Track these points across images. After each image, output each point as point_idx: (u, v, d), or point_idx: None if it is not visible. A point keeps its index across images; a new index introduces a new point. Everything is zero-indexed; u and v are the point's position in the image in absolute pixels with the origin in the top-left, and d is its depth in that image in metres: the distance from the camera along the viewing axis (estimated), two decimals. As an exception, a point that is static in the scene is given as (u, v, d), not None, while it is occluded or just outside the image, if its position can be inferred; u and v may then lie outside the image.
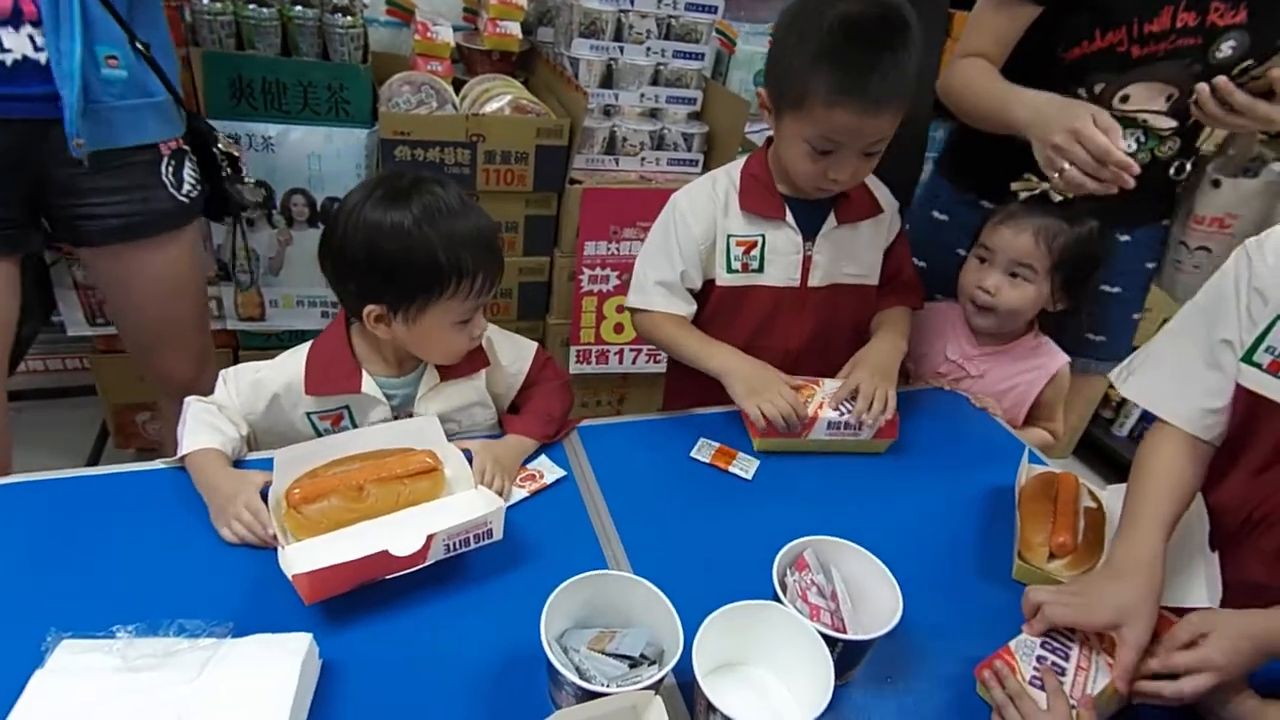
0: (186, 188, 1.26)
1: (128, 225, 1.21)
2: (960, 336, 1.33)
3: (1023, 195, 1.19)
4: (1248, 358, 0.82)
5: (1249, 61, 1.08)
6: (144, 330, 1.37)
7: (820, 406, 1.08)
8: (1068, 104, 1.04)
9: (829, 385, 1.13)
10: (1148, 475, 0.89)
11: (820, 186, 1.08)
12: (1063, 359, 1.29)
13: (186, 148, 1.28)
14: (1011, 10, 1.17)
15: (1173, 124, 1.20)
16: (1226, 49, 1.11)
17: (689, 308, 1.19)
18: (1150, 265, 1.39)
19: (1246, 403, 0.84)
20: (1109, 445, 2.50)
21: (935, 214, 1.46)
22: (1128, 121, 1.19)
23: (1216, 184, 1.24)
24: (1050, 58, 1.18)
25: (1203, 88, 1.08)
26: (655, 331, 1.20)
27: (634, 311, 1.22)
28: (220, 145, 1.36)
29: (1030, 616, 0.82)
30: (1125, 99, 1.19)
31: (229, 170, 1.38)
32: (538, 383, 1.11)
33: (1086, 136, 0.97)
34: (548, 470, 1.02)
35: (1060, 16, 1.16)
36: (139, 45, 1.13)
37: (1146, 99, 1.18)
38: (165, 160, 1.22)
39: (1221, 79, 1.07)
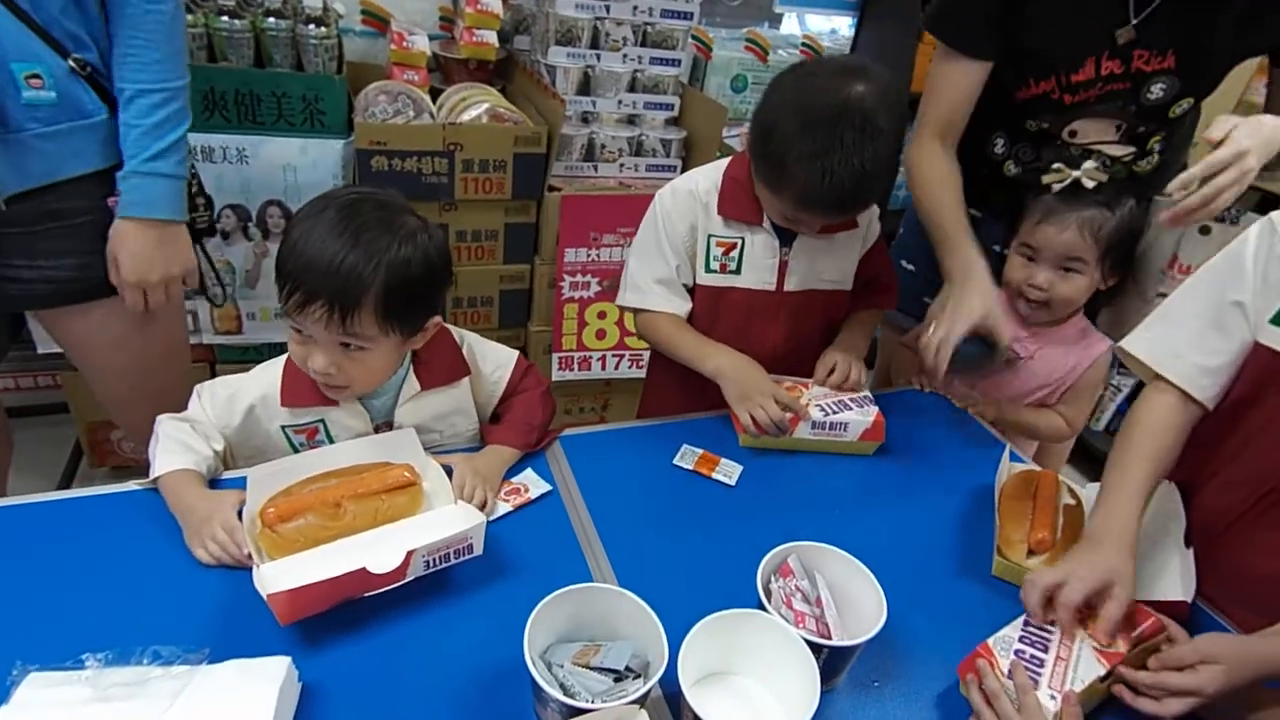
0: None
1: (59, 292, 1.07)
2: (1008, 321, 1.30)
3: (1056, 187, 1.19)
4: (1277, 319, 0.84)
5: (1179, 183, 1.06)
6: (125, 397, 1.25)
7: (806, 406, 1.10)
8: (966, 290, 1.12)
9: (817, 388, 1.16)
10: (1133, 441, 0.91)
11: (789, 229, 1.15)
12: (1105, 344, 1.27)
13: None
14: (964, 66, 1.19)
15: (1130, 149, 1.21)
16: (1157, 91, 1.14)
17: (685, 305, 1.21)
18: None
19: (1266, 367, 0.85)
20: (1086, 439, 2.53)
21: None
22: (1086, 152, 1.21)
23: (1206, 230, 1.21)
24: (1002, 94, 1.22)
25: (1162, 219, 1.09)
26: (653, 332, 1.23)
27: (634, 311, 1.25)
28: None
29: (1036, 605, 0.81)
30: (1073, 134, 1.22)
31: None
32: (518, 392, 1.10)
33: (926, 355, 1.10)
34: (533, 484, 1.01)
35: (999, 65, 1.19)
36: (74, 62, 0.97)
37: (1096, 133, 1.20)
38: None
39: (1165, 216, 1.07)
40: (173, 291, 1.13)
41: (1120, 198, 1.17)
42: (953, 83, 1.21)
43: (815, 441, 1.11)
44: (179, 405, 0.98)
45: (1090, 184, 1.16)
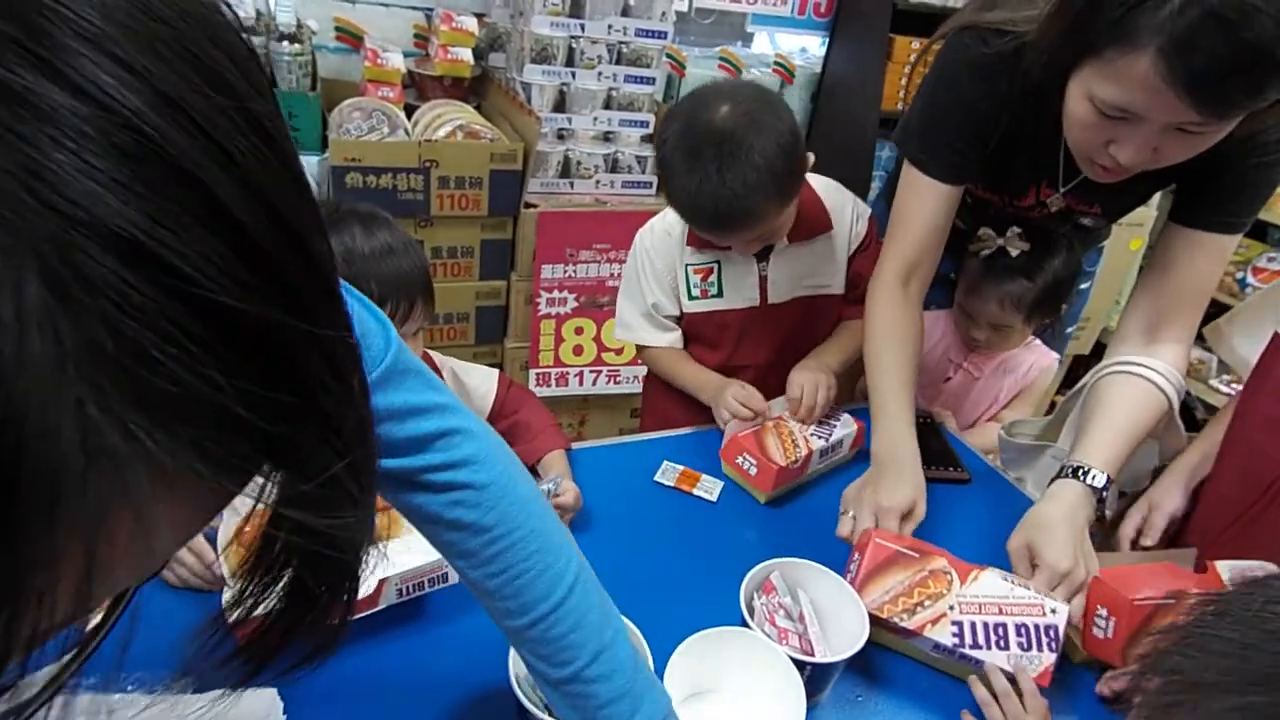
0: None
1: None
2: (956, 342, 1.38)
3: (983, 253, 1.21)
4: None
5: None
6: None
7: (807, 442, 1.08)
8: (899, 473, 0.95)
9: (795, 424, 1.12)
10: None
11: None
12: (1053, 357, 1.34)
13: None
14: (937, 191, 1.02)
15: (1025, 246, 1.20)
16: (1087, 222, 1.16)
17: (670, 335, 1.26)
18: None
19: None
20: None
21: None
22: (1013, 215, 1.19)
23: None
24: None
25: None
26: (654, 363, 1.30)
27: (637, 345, 1.31)
28: None
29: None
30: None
31: None
32: (511, 409, 1.10)
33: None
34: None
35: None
36: None
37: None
38: None
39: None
40: None
41: (1046, 260, 1.18)
42: (924, 217, 1.03)
43: (823, 467, 1.12)
44: None
45: (1015, 252, 1.17)
